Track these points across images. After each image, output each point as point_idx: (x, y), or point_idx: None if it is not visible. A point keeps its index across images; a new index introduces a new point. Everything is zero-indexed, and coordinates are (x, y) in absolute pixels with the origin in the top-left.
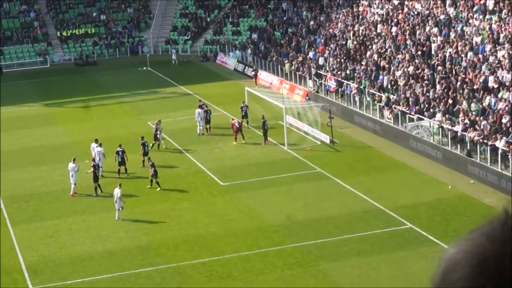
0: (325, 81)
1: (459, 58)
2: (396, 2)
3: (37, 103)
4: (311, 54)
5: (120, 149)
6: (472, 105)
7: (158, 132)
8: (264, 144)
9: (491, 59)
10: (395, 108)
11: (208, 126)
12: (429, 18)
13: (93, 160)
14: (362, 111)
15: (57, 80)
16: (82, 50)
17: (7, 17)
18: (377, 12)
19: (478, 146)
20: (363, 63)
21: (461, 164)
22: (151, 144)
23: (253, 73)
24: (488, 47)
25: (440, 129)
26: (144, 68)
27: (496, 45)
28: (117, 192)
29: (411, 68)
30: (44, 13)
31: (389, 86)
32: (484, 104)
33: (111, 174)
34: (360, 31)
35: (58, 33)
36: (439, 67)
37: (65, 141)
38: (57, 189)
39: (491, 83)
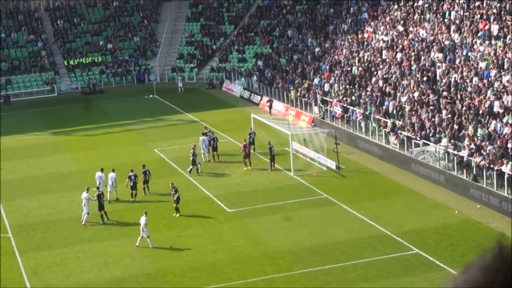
0: (330, 107)
1: (464, 84)
2: (400, 29)
3: (45, 132)
4: (316, 81)
5: (132, 174)
6: (478, 130)
7: (196, 157)
8: (270, 171)
9: (496, 84)
10: (400, 133)
11: (214, 154)
12: (433, 44)
13: (98, 188)
14: (368, 136)
15: (64, 109)
16: (90, 79)
17: (15, 47)
18: (382, 39)
19: (484, 171)
20: (369, 89)
21: (467, 189)
22: (189, 168)
23: (268, 103)
24: (493, 72)
25: (446, 154)
26: (151, 96)
27: (501, 70)
28: (142, 220)
29: (416, 94)
30: (51, 42)
31: (394, 112)
32: (489, 129)
33: (120, 202)
34: (365, 57)
35: (65, 62)
36: (444, 93)
37: (72, 169)
38: (64, 217)
39: (497, 108)
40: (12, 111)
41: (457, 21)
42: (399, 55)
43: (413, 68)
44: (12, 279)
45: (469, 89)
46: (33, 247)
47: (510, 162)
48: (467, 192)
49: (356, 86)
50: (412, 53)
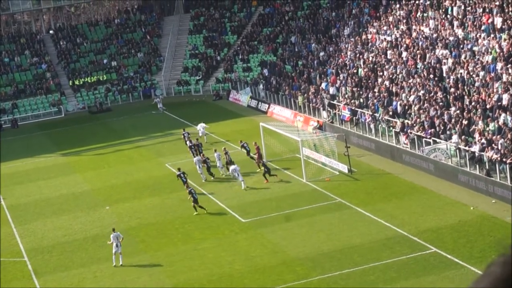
0: (338, 111)
1: (471, 78)
2: (404, 28)
3: (54, 153)
4: (323, 85)
5: (191, 189)
6: (488, 124)
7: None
8: (266, 182)
9: (504, 77)
10: (410, 133)
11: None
12: (438, 40)
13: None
14: (378, 138)
15: (72, 129)
16: (96, 98)
17: (19, 70)
18: (386, 39)
19: (497, 165)
20: (376, 90)
21: (481, 184)
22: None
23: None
24: (499, 65)
25: (458, 150)
26: (161, 109)
27: (508, 63)
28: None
29: (423, 92)
30: (55, 63)
31: (401, 111)
32: (499, 122)
33: (135, 218)
34: (370, 59)
35: (71, 83)
36: (452, 89)
37: (84, 189)
38: (79, 237)
39: (505, 101)
40: (20, 135)
41: (460, 16)
42: (404, 54)
43: (419, 66)
44: None
45: (476, 83)
46: (50, 270)
47: None
48: (482, 187)
49: (363, 88)
50: (417, 51)
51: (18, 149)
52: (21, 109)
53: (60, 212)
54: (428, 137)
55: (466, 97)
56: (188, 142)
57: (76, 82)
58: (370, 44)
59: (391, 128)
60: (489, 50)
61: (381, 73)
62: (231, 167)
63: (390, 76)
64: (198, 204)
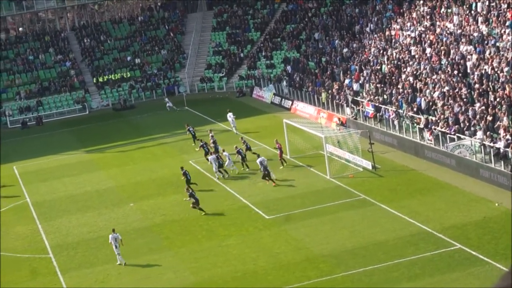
0: (362, 107)
1: (496, 74)
2: (427, 24)
3: (79, 150)
4: (346, 82)
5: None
6: None
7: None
8: (274, 185)
9: None
10: (435, 129)
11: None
12: (462, 36)
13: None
14: (402, 134)
15: (96, 126)
16: (120, 95)
17: (43, 68)
18: (409, 35)
19: None
20: (399, 86)
21: (505, 180)
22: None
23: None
24: None
25: (482, 147)
26: (183, 107)
27: None
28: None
29: (448, 88)
30: (79, 61)
31: (425, 107)
32: None
33: (158, 216)
34: (394, 55)
35: (95, 80)
36: (476, 85)
37: (109, 186)
38: (104, 234)
39: None
40: (44, 132)
41: (484, 12)
42: (428, 50)
43: (443, 62)
44: None
45: (501, 79)
46: (74, 266)
47: None
48: (507, 184)
49: (387, 84)
50: (441, 48)
51: (42, 146)
52: (45, 106)
53: (85, 209)
54: (453, 133)
55: (490, 93)
56: (210, 139)
57: (100, 80)
58: (393, 40)
59: (415, 124)
60: None
61: (405, 69)
62: (258, 160)
63: (414, 72)
64: (199, 206)
